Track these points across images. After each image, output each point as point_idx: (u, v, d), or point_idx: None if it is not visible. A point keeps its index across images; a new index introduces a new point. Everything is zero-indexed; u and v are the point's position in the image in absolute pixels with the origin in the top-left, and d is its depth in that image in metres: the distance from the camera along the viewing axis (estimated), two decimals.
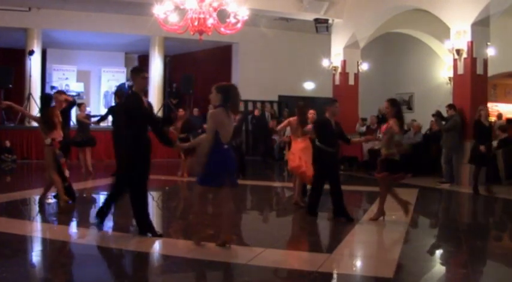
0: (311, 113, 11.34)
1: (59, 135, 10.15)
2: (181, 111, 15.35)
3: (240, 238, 8.29)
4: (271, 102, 24.23)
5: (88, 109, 17.82)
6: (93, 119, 16.64)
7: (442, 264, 7.22)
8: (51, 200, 10.81)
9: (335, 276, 6.37)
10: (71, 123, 11.86)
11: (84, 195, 12.46)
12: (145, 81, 8.00)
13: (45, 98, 10.75)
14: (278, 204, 12.31)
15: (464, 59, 14.86)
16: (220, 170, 7.16)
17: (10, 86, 21.19)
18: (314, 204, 9.73)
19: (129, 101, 8.00)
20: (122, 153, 8.10)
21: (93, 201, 12.27)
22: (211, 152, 7.08)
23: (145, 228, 7.84)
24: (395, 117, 9.10)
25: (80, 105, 16.52)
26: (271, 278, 6.44)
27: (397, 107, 9.33)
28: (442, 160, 15.01)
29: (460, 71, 15.03)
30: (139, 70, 8.07)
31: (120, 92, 16.65)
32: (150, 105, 8.05)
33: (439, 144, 15.49)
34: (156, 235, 7.76)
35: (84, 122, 15.83)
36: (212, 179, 7.15)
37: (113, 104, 16.33)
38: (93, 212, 10.82)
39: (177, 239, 7.72)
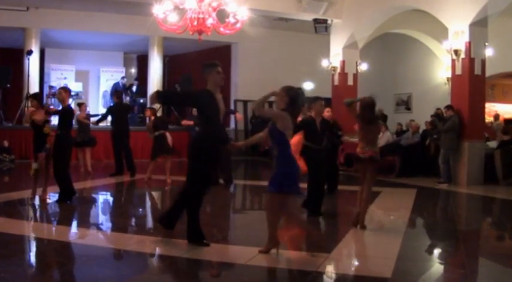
0: (328, 111, 11.32)
1: None
2: (148, 112, 15.16)
3: (238, 238, 8.30)
4: (270, 103, 24.20)
5: (87, 109, 17.82)
6: (93, 119, 16.64)
7: (440, 264, 7.23)
8: (49, 200, 10.82)
9: (333, 276, 6.39)
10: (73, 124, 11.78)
11: (84, 195, 12.48)
12: (219, 76, 7.39)
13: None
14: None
15: (462, 59, 14.87)
16: (290, 176, 6.79)
17: (8, 85, 21.22)
18: (316, 204, 9.75)
19: (200, 98, 7.33)
20: (190, 153, 7.39)
21: (92, 201, 12.26)
22: (282, 157, 6.76)
23: (197, 236, 7.28)
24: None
25: (80, 105, 16.52)
26: (270, 278, 6.45)
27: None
28: (439, 160, 15.03)
29: (458, 71, 15.04)
30: (212, 64, 7.51)
31: (117, 92, 16.66)
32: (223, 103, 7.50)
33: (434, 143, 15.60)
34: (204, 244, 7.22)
35: (83, 122, 15.83)
36: (284, 185, 6.74)
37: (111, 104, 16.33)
38: (93, 211, 10.88)
39: (176, 239, 7.71)
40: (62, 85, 21.97)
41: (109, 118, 16.09)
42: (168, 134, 14.13)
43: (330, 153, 10.64)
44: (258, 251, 6.84)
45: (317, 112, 9.70)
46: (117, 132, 15.42)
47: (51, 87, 22.75)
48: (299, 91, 7.02)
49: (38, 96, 11.98)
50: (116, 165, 15.54)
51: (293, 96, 6.89)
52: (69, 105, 10.82)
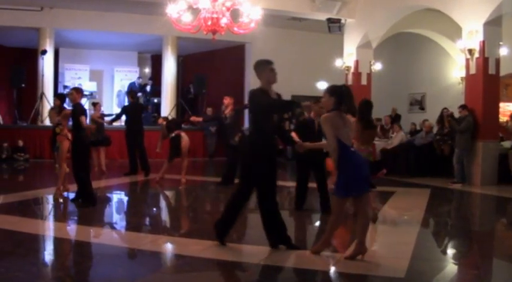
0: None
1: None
2: (160, 120, 15.15)
3: (252, 237, 8.31)
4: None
5: (101, 109, 17.87)
6: (107, 119, 16.70)
7: (454, 264, 7.20)
8: (62, 199, 10.87)
9: (347, 276, 6.38)
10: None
11: (98, 194, 12.54)
12: (273, 73, 7.34)
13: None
14: (290, 204, 12.31)
15: (476, 58, 14.80)
16: (358, 176, 6.66)
17: (23, 85, 21.37)
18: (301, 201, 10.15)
19: (255, 97, 7.32)
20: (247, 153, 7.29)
21: (107, 200, 12.30)
22: (342, 160, 6.58)
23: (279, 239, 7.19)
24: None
25: (94, 105, 16.57)
26: (284, 278, 6.45)
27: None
28: (454, 160, 14.98)
29: (472, 70, 14.98)
30: (266, 62, 7.55)
31: (132, 92, 16.70)
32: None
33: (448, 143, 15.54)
34: (293, 247, 7.15)
35: (98, 121, 15.87)
36: (352, 188, 6.65)
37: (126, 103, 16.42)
38: (107, 211, 10.91)
39: (191, 238, 7.74)
40: (76, 85, 22.23)
41: (123, 117, 16.15)
42: (183, 134, 14.07)
43: None
44: (311, 251, 6.92)
45: (316, 113, 9.69)
46: (131, 132, 15.47)
47: (65, 86, 22.87)
48: (343, 88, 6.90)
49: (62, 97, 11.87)
50: (130, 165, 15.60)
51: (338, 95, 6.75)
52: (79, 103, 10.78)
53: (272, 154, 7.21)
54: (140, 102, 18.73)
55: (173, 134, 13.91)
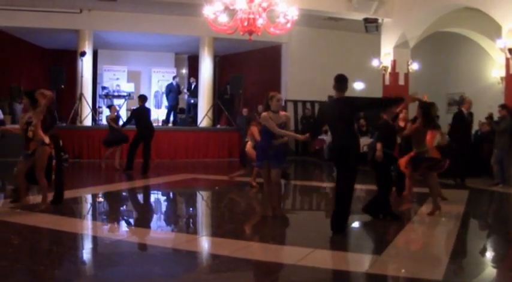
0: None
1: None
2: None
3: (288, 238, 8.30)
4: (320, 103, 24.09)
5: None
6: (120, 123, 17.18)
7: (493, 267, 7.09)
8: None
9: (384, 278, 6.33)
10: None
11: (136, 193, 12.64)
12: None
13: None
14: (327, 205, 12.27)
15: None
16: None
17: (62, 86, 21.61)
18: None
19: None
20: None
21: (144, 199, 12.38)
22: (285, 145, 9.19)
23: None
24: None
25: (110, 107, 16.96)
26: (320, 279, 6.42)
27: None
28: (492, 160, 14.75)
29: None
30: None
31: (141, 97, 16.98)
32: None
33: (490, 144, 15.28)
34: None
35: (111, 124, 16.75)
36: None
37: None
38: (144, 210, 10.98)
39: (226, 238, 7.75)
40: (114, 86, 22.59)
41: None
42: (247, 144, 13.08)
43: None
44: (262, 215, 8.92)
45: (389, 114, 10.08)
46: (142, 135, 16.09)
47: (103, 87, 23.19)
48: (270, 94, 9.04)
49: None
50: (127, 161, 16.22)
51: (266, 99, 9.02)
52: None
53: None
54: (147, 107, 18.38)
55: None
